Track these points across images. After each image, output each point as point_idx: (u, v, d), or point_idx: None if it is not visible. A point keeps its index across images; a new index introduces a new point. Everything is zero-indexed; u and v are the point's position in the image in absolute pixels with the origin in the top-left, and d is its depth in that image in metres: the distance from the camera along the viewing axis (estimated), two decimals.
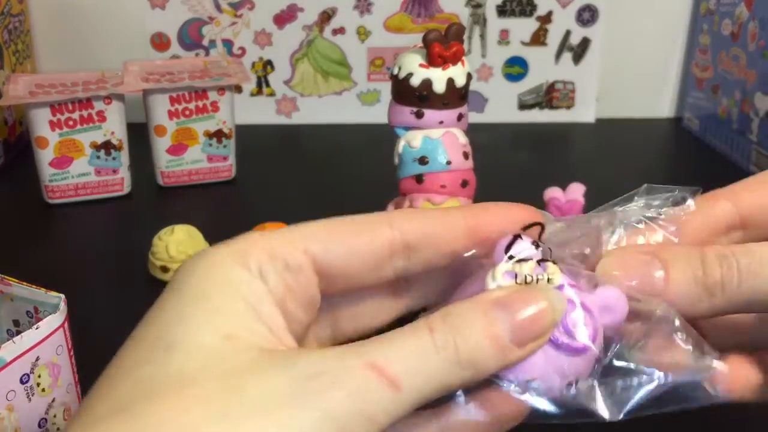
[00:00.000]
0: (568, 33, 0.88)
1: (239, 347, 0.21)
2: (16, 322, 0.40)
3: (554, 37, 0.88)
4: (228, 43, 0.86)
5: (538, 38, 0.88)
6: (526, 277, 0.23)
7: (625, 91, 0.92)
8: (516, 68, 0.89)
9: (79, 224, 0.65)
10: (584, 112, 0.91)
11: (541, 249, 0.24)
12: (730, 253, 0.24)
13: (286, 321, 0.23)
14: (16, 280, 0.39)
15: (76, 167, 0.67)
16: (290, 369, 0.20)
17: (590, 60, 0.89)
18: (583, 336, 0.23)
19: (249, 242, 0.23)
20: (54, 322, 0.36)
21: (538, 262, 0.24)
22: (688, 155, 0.84)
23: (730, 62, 0.80)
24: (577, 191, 0.59)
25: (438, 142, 0.48)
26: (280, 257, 0.23)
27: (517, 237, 0.25)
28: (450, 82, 0.50)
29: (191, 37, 0.85)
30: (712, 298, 0.24)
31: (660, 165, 0.85)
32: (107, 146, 0.67)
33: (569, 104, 0.91)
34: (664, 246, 0.26)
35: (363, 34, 0.86)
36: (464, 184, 0.48)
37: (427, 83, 0.49)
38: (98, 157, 0.67)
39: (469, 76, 0.52)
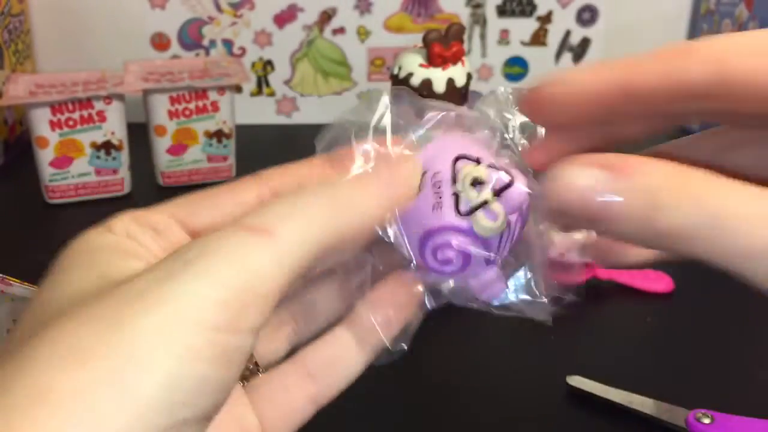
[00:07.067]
0: (568, 33, 0.88)
1: (113, 281, 0.21)
2: (16, 322, 0.40)
3: (554, 37, 0.88)
4: (228, 43, 0.86)
5: (538, 38, 0.88)
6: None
7: None
8: (516, 68, 0.89)
9: (79, 224, 0.64)
10: None
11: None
12: (697, 203, 0.19)
13: None
14: (17, 280, 0.39)
15: (76, 167, 0.67)
16: (160, 262, 0.20)
17: (590, 60, 0.89)
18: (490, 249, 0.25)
19: (113, 217, 0.24)
20: None
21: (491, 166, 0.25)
22: None
23: None
24: None
25: None
26: (144, 221, 0.24)
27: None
28: (450, 82, 0.50)
29: (191, 37, 0.85)
30: (656, 244, 0.20)
31: None
32: (107, 146, 0.67)
33: None
34: (627, 162, 0.20)
35: (363, 34, 0.86)
36: None
37: (427, 83, 0.50)
38: (98, 157, 0.67)
39: (469, 76, 0.52)
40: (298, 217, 0.21)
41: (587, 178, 0.20)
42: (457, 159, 0.24)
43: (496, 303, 0.26)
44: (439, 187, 0.24)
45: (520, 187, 0.24)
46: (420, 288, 0.26)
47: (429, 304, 0.26)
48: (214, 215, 0.24)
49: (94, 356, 0.18)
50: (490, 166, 0.24)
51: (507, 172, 0.24)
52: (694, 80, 0.20)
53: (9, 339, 0.21)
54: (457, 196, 0.24)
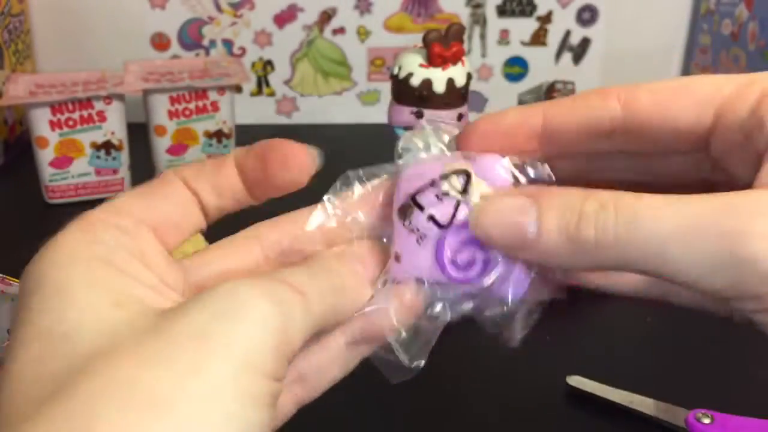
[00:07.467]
0: (568, 33, 0.88)
1: (132, 314, 0.21)
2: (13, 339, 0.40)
3: (554, 37, 0.88)
4: (228, 43, 0.86)
5: (538, 38, 0.88)
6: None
7: None
8: (516, 68, 0.89)
9: None
10: None
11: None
12: (612, 206, 0.22)
13: (157, 276, 0.23)
14: (17, 280, 0.39)
15: (77, 167, 0.67)
16: (206, 300, 0.21)
17: (590, 60, 0.89)
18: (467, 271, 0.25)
19: (88, 220, 0.24)
20: None
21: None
22: None
23: (731, 62, 0.80)
24: None
25: None
26: (116, 224, 0.24)
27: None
28: (450, 82, 0.50)
29: (191, 37, 0.85)
30: (583, 257, 0.22)
31: None
32: (107, 146, 0.67)
33: None
34: (545, 189, 0.24)
35: (363, 34, 0.86)
36: None
37: (427, 83, 0.50)
38: (98, 157, 0.67)
39: (469, 76, 0.52)
40: (315, 285, 0.23)
41: (510, 204, 0.23)
42: (400, 208, 0.25)
43: (516, 299, 0.26)
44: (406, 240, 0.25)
45: (485, 161, 0.25)
46: (438, 306, 0.26)
47: (448, 315, 0.26)
48: (164, 211, 0.25)
49: (172, 403, 0.19)
50: (432, 183, 0.25)
51: (457, 170, 0.25)
52: (608, 117, 0.24)
53: (10, 361, 0.21)
54: (418, 233, 0.25)
